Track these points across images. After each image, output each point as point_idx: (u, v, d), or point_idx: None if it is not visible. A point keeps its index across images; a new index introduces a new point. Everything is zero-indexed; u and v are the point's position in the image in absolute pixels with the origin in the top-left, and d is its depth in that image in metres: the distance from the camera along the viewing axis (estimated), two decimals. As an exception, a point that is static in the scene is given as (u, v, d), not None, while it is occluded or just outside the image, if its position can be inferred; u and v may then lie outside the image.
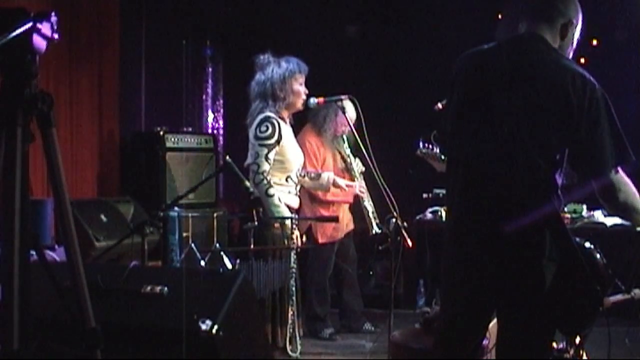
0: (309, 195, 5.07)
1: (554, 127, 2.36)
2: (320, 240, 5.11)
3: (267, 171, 4.20)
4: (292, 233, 4.10)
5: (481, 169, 2.44)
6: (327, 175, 4.89)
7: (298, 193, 4.50)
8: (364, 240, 5.34)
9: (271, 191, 4.17)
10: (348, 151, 5.19)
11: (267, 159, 4.20)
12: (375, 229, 4.99)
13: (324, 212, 5.08)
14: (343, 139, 5.19)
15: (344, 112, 4.64)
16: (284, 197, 4.29)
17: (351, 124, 4.59)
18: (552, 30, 2.49)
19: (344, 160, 5.23)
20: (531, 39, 2.49)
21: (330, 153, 5.16)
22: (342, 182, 4.98)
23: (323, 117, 5.06)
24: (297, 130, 4.73)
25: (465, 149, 2.49)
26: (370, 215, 5.04)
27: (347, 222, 5.27)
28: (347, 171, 5.20)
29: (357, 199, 5.15)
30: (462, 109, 2.51)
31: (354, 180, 5.13)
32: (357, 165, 5.17)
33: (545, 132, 2.36)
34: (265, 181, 4.17)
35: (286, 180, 4.35)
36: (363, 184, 5.11)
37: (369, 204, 5.07)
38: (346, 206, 5.25)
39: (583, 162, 2.43)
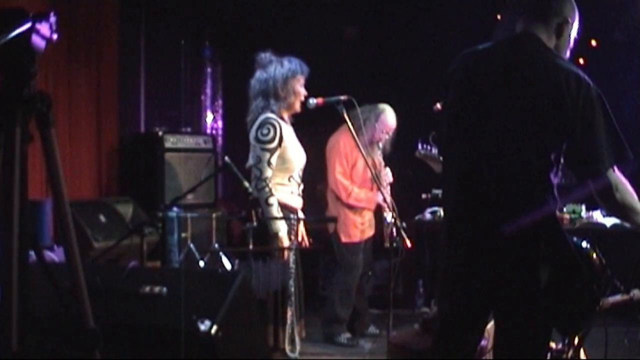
0: (335, 196, 5.12)
1: (549, 126, 2.36)
2: (343, 240, 5.10)
3: (269, 178, 4.14)
4: (291, 234, 4.10)
5: (476, 169, 2.43)
6: None
7: (301, 193, 4.48)
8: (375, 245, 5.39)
9: (271, 200, 4.11)
10: (381, 159, 5.12)
11: (269, 164, 4.14)
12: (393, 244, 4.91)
13: (349, 213, 5.12)
14: (378, 146, 5.12)
15: (383, 119, 4.61)
16: (286, 197, 4.27)
17: (391, 132, 4.55)
18: (547, 30, 2.48)
19: (375, 168, 4.96)
20: (526, 39, 2.49)
21: (362, 158, 4.81)
22: None
23: (363, 121, 4.70)
24: (297, 130, 4.71)
25: (460, 149, 2.49)
26: (391, 228, 4.94)
27: (370, 224, 5.26)
28: (375, 179, 4.83)
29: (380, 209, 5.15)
30: (457, 109, 2.51)
31: (380, 189, 4.97)
32: (387, 175, 5.11)
33: (540, 132, 2.36)
34: (267, 188, 4.11)
35: (288, 180, 4.33)
36: (389, 195, 4.91)
37: (389, 216, 4.87)
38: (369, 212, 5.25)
39: (579, 162, 2.42)
